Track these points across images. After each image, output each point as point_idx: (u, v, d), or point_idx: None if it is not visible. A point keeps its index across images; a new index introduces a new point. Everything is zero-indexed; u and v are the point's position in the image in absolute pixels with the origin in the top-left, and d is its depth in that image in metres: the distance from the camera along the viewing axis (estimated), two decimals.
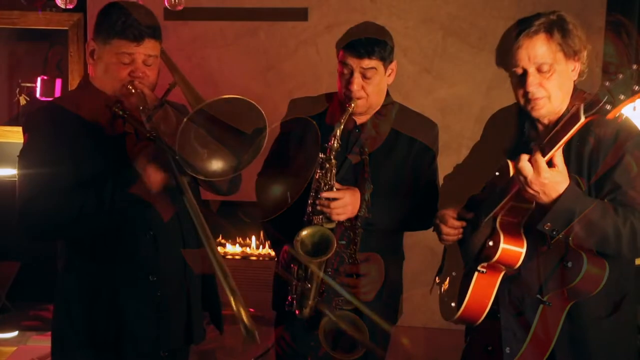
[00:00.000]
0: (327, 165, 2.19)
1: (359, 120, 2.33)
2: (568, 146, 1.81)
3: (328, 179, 2.19)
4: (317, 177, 2.20)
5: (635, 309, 2.00)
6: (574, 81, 1.92)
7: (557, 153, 1.70)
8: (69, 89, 4.79)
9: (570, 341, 1.87)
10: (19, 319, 4.45)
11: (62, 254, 2.06)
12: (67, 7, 2.96)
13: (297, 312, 2.26)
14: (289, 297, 2.29)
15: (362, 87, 2.21)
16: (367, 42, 2.19)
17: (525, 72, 1.85)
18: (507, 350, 1.92)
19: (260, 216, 2.09)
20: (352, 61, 2.20)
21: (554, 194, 1.70)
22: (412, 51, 4.50)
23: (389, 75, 2.31)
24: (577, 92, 1.92)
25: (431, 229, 2.28)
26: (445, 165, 3.45)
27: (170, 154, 1.82)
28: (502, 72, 1.89)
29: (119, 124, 2.02)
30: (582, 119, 1.63)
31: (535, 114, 1.88)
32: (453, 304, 1.98)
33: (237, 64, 4.67)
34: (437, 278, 2.22)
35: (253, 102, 1.78)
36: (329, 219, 2.19)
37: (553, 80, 1.85)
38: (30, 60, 5.76)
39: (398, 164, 2.33)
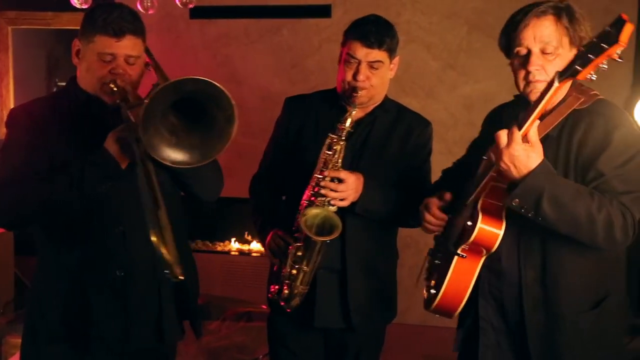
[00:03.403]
0: (337, 147, 2.17)
1: (357, 114, 2.29)
2: (559, 135, 1.80)
3: (336, 160, 2.17)
4: (323, 157, 2.18)
5: (624, 310, 1.95)
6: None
7: (532, 130, 1.68)
8: None
9: (545, 332, 1.85)
10: None
11: (38, 245, 2.08)
12: (82, 6, 3.01)
13: (282, 302, 2.24)
14: (276, 286, 2.27)
15: (367, 78, 2.21)
16: (378, 32, 2.19)
17: (529, 53, 1.81)
18: (483, 340, 1.93)
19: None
20: (361, 51, 2.19)
21: (524, 170, 1.67)
22: (436, 47, 4.45)
23: (392, 69, 2.31)
24: (577, 84, 1.87)
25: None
26: None
27: (132, 128, 1.82)
28: None
29: (97, 120, 2.03)
30: (556, 84, 1.62)
31: (533, 97, 1.81)
32: (433, 291, 1.95)
33: (261, 61, 4.70)
34: (423, 271, 2.20)
35: (223, 88, 1.73)
36: (331, 204, 2.17)
37: (555, 66, 1.77)
38: (67, 60, 5.91)
39: (391, 160, 2.31)
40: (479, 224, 1.80)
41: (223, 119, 1.78)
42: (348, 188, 2.16)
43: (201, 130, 1.80)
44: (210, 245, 4.91)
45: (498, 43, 1.94)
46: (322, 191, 2.16)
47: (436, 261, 2.05)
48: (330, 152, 2.18)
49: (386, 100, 2.38)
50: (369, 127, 2.32)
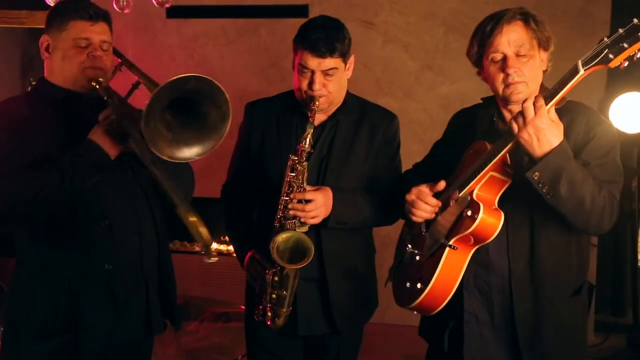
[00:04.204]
0: (299, 168, 2.14)
1: (320, 117, 2.28)
2: None
3: (300, 181, 2.14)
4: (287, 179, 2.15)
5: (589, 303, 2.07)
6: (543, 72, 1.98)
7: (552, 111, 1.73)
8: None
9: (533, 320, 1.91)
10: None
11: (18, 243, 2.06)
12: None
13: (268, 322, 2.23)
14: (259, 307, 2.26)
15: (324, 86, 2.17)
16: (327, 39, 2.12)
17: (504, 57, 1.89)
18: (467, 332, 1.97)
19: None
20: (313, 61, 2.13)
21: (547, 146, 1.71)
22: (414, 47, 4.46)
23: (348, 69, 2.26)
24: (542, 87, 1.97)
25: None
26: None
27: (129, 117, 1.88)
28: None
29: (76, 116, 2.04)
30: (582, 72, 1.66)
31: (514, 98, 1.90)
32: (419, 285, 1.95)
33: (238, 61, 4.68)
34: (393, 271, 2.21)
35: (220, 86, 1.78)
36: (303, 223, 2.15)
37: (529, 66, 1.90)
38: (42, 60, 5.82)
39: (360, 160, 2.30)
40: (482, 214, 1.82)
41: (217, 115, 1.82)
42: (317, 207, 2.14)
43: (195, 126, 1.84)
44: (188, 245, 4.87)
45: (467, 53, 2.02)
46: (291, 212, 2.14)
47: (417, 258, 2.05)
48: (293, 174, 2.15)
49: (348, 100, 2.33)
50: (332, 132, 2.29)
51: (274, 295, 2.19)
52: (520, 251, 1.91)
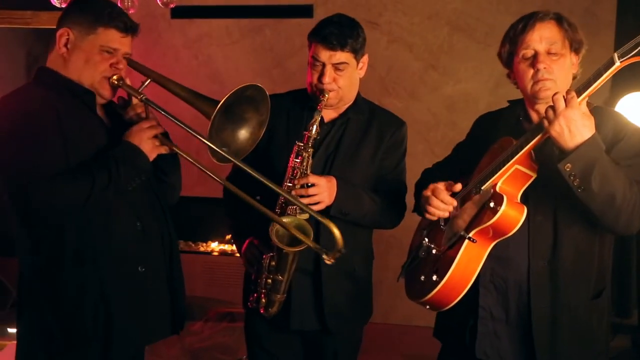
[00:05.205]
0: (304, 154, 2.16)
1: (330, 114, 2.30)
2: None
3: (304, 167, 2.16)
4: (292, 165, 2.17)
5: (610, 307, 2.02)
6: (573, 76, 1.96)
7: (583, 104, 1.72)
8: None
9: (550, 320, 1.90)
10: None
11: (23, 246, 1.98)
12: (62, 5, 2.99)
13: (261, 310, 2.23)
14: (254, 294, 2.25)
15: (334, 80, 2.20)
16: (340, 34, 2.17)
17: (535, 54, 1.89)
18: (480, 329, 1.96)
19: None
20: (324, 54, 2.18)
21: (579, 138, 1.69)
22: (418, 47, 4.46)
23: (361, 68, 2.29)
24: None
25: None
26: None
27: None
28: None
29: (95, 114, 2.02)
30: (618, 63, 1.66)
31: (542, 94, 1.88)
32: (435, 277, 1.93)
33: (243, 61, 4.69)
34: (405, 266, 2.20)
35: (268, 95, 1.95)
36: (303, 209, 2.14)
37: (560, 65, 1.89)
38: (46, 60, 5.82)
39: (366, 160, 2.31)
40: (505, 206, 1.80)
41: (257, 122, 1.97)
42: (320, 191, 2.15)
43: (232, 127, 1.94)
44: (193, 245, 4.88)
45: (498, 54, 2.02)
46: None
47: (433, 251, 2.03)
48: (298, 160, 2.17)
49: (359, 100, 2.36)
50: (342, 129, 2.31)
51: (269, 280, 2.18)
52: (541, 249, 1.89)
